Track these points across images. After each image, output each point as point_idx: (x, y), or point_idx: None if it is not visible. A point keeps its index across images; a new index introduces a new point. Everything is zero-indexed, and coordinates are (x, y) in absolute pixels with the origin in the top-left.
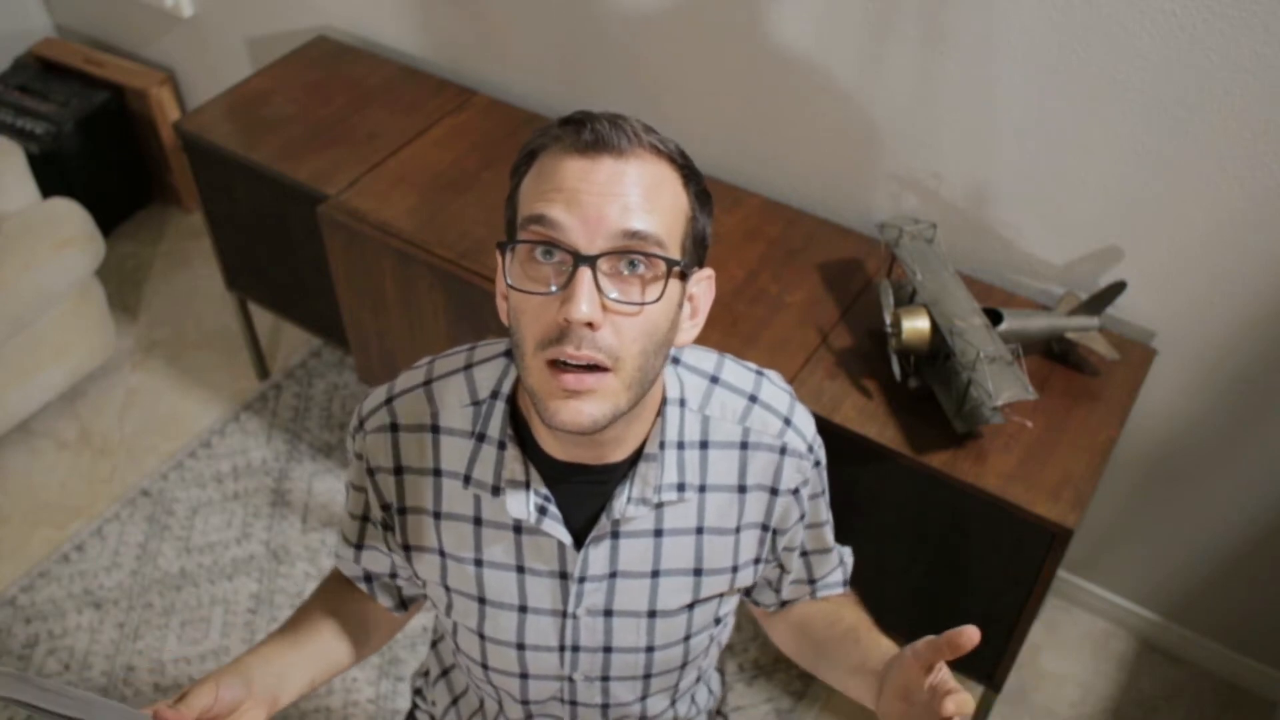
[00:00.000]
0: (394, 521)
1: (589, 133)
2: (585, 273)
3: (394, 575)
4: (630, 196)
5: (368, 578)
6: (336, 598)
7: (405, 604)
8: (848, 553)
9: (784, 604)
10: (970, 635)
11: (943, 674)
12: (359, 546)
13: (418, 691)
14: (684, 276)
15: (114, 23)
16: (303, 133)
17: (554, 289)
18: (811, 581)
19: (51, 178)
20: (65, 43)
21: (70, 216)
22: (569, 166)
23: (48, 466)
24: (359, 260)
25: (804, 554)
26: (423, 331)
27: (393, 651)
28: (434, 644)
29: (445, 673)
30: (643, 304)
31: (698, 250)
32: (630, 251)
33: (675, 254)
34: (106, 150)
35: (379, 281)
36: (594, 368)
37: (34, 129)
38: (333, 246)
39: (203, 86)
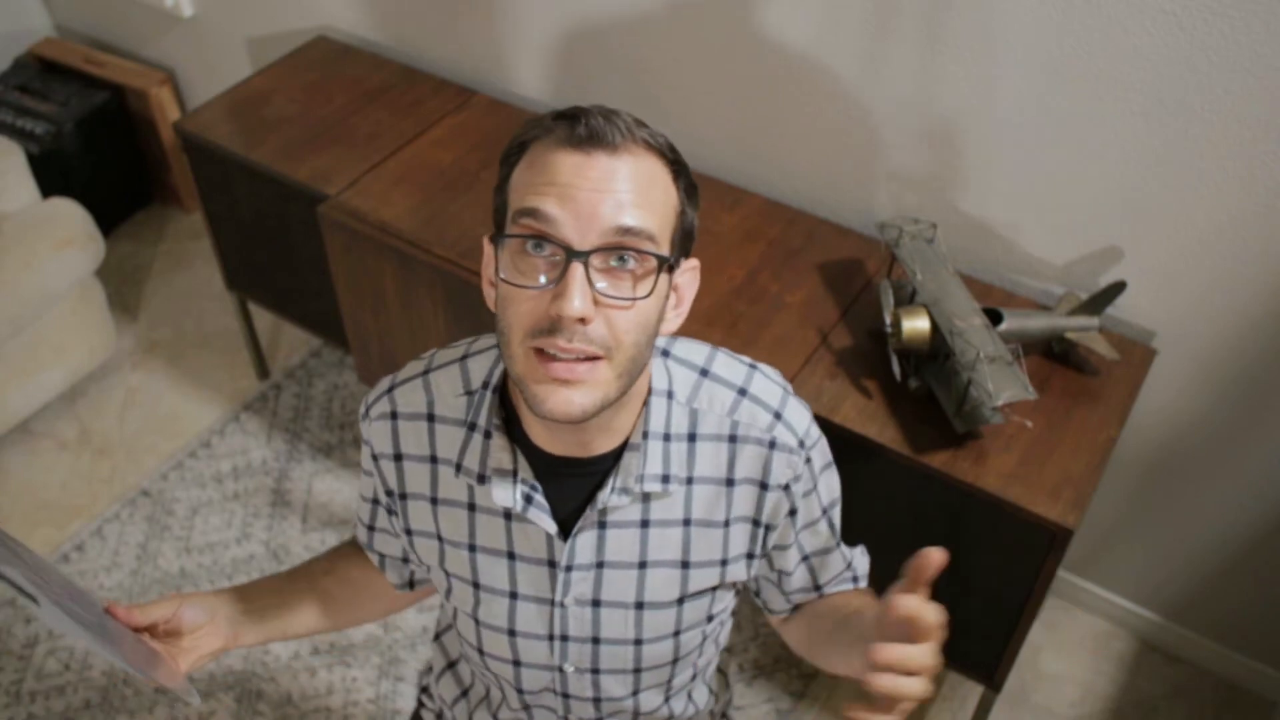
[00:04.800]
0: (396, 506)
1: (583, 127)
2: (577, 268)
3: (405, 559)
4: (623, 193)
5: (378, 553)
6: (346, 560)
7: (413, 584)
8: (859, 555)
9: (795, 609)
10: (930, 559)
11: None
12: (371, 528)
13: (424, 690)
14: (671, 270)
15: (114, 23)
16: (303, 133)
17: (543, 281)
18: (818, 587)
19: (51, 178)
20: (65, 43)
21: (70, 216)
22: (562, 161)
23: (48, 466)
24: (359, 260)
25: (805, 558)
26: (423, 331)
27: (393, 652)
28: (438, 636)
29: (451, 665)
30: (634, 299)
31: (685, 243)
32: (623, 248)
33: (666, 249)
34: (106, 150)
35: (379, 281)
36: (587, 357)
37: (34, 129)
38: (333, 246)
39: (203, 86)
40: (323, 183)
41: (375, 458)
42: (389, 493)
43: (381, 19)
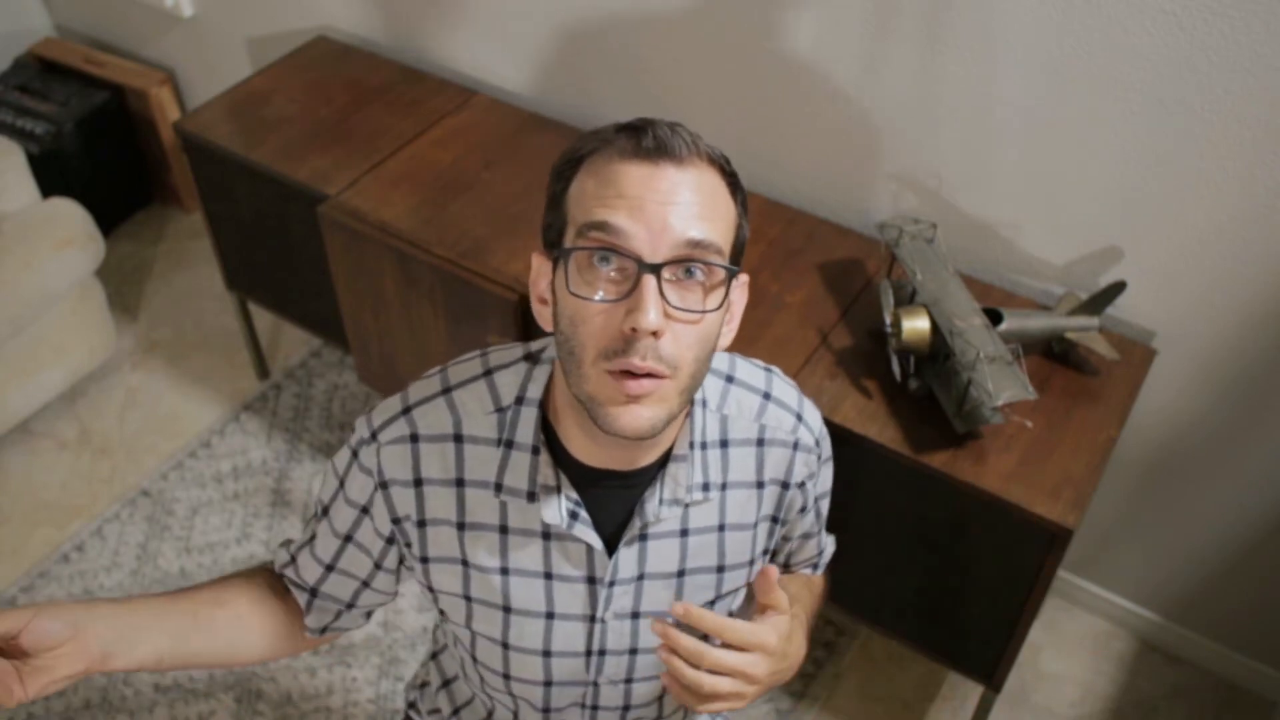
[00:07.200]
0: (410, 535)
1: (650, 139)
2: (650, 281)
3: (351, 605)
4: (691, 205)
5: (313, 593)
6: (240, 594)
7: (325, 630)
8: (830, 542)
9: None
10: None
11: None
12: (330, 568)
13: (411, 705)
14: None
15: (114, 23)
16: (303, 133)
17: (600, 296)
18: (786, 566)
19: (51, 178)
20: (65, 43)
21: (70, 216)
22: (630, 173)
23: (48, 466)
24: (359, 260)
25: (787, 541)
26: (423, 331)
27: (393, 652)
28: (434, 655)
29: (446, 684)
30: (704, 312)
31: (738, 257)
32: (693, 260)
33: (729, 262)
34: (106, 150)
35: (379, 281)
36: (652, 373)
37: (34, 129)
38: (333, 246)
39: (203, 86)
40: (323, 183)
41: (384, 485)
42: (396, 520)
43: (381, 19)
